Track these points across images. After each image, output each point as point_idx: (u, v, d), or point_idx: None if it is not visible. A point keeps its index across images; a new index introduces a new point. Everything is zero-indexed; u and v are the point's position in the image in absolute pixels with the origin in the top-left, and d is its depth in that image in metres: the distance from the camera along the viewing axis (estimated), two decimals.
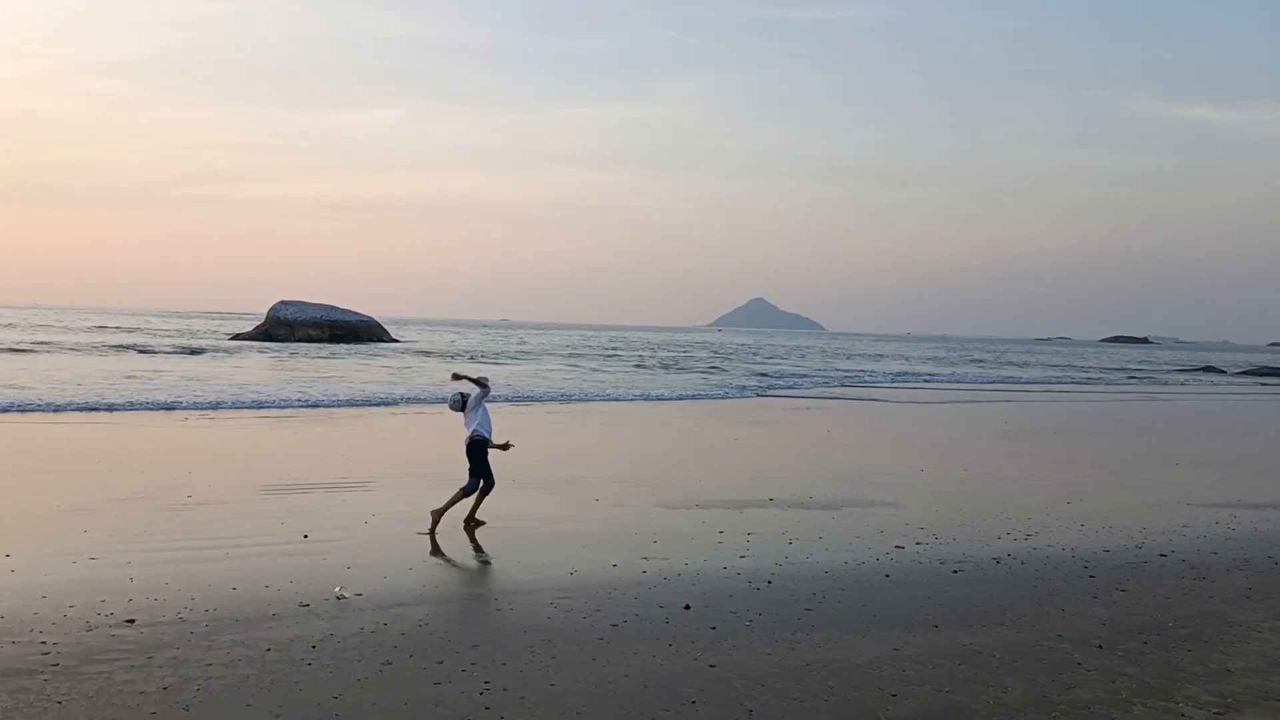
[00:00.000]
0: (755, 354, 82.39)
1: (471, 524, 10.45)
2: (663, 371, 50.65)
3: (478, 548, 9.82)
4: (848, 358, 79.53)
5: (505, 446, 10.80)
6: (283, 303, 64.56)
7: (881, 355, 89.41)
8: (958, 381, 51.58)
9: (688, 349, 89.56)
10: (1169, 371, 75.34)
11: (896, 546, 10.19)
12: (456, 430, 11.22)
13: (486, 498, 10.61)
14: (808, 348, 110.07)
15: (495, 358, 58.75)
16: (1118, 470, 17.22)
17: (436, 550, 9.58)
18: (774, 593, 8.22)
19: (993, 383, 52.06)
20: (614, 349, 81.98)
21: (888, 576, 8.90)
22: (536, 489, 12.86)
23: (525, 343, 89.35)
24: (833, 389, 41.38)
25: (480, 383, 10.72)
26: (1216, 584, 8.92)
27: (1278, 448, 23.64)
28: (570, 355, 66.22)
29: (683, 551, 9.65)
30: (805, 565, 9.25)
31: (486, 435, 10.55)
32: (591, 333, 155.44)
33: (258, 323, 67.59)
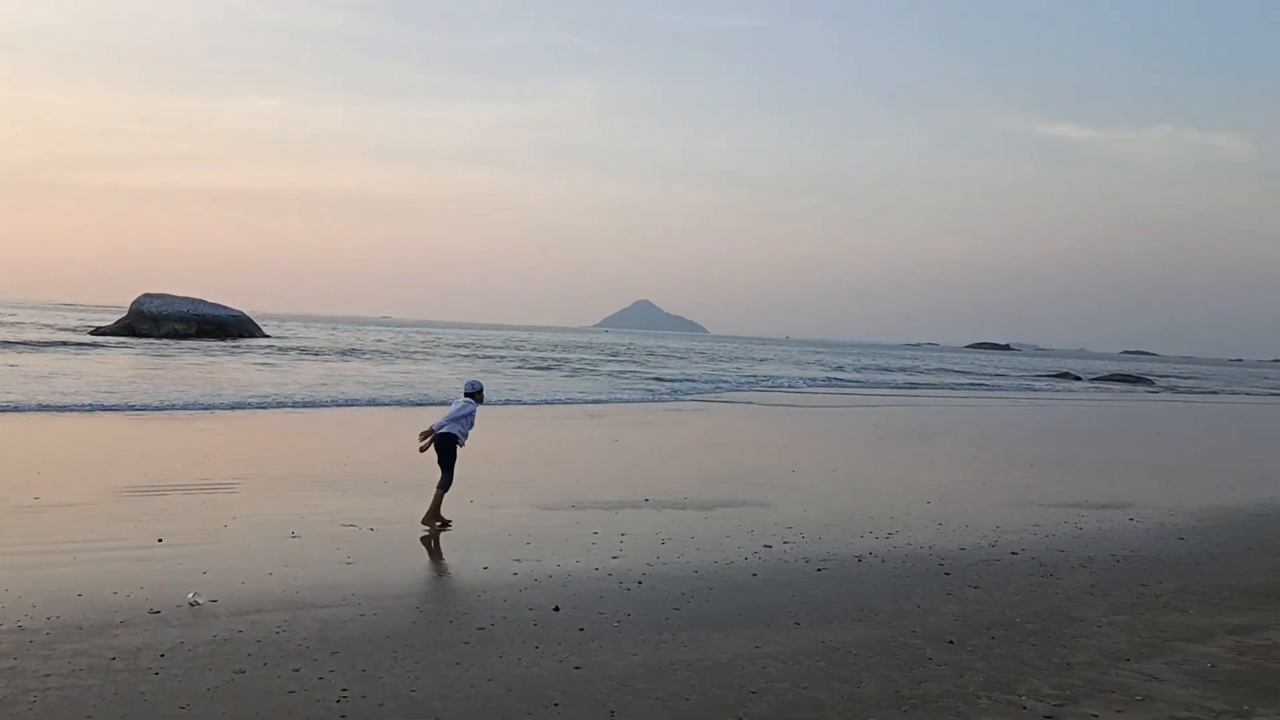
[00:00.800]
0: (651, 355, 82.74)
1: (436, 524, 10.69)
2: (559, 374, 50.37)
3: (336, 551, 9.58)
4: (730, 360, 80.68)
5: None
6: (147, 295, 61.65)
7: (765, 359, 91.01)
8: (863, 386, 52.88)
9: (573, 350, 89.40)
10: (1029, 377, 78.92)
11: (765, 546, 10.39)
12: (324, 430, 10.92)
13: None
14: (696, 350, 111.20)
15: (381, 357, 57.47)
16: (977, 471, 17.96)
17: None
18: (644, 593, 8.28)
19: (896, 387, 53.56)
20: (499, 349, 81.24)
21: (755, 575, 9.07)
22: (411, 490, 12.62)
23: (410, 341, 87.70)
24: (732, 392, 41.91)
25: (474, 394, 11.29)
26: (1062, 581, 9.38)
27: (1124, 450, 25.02)
28: (454, 357, 65.31)
29: (556, 553, 9.63)
30: (676, 565, 9.35)
31: (455, 433, 10.88)
32: (476, 331, 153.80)
33: (120, 316, 64.49)
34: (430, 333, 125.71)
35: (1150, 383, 76.11)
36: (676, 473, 16.07)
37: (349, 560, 9.17)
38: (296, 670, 6.01)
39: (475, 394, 11.30)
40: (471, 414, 11.09)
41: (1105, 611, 8.26)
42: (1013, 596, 8.67)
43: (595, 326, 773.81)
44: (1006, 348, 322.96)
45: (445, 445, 10.83)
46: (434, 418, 11.42)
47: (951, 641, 7.16)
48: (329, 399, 27.60)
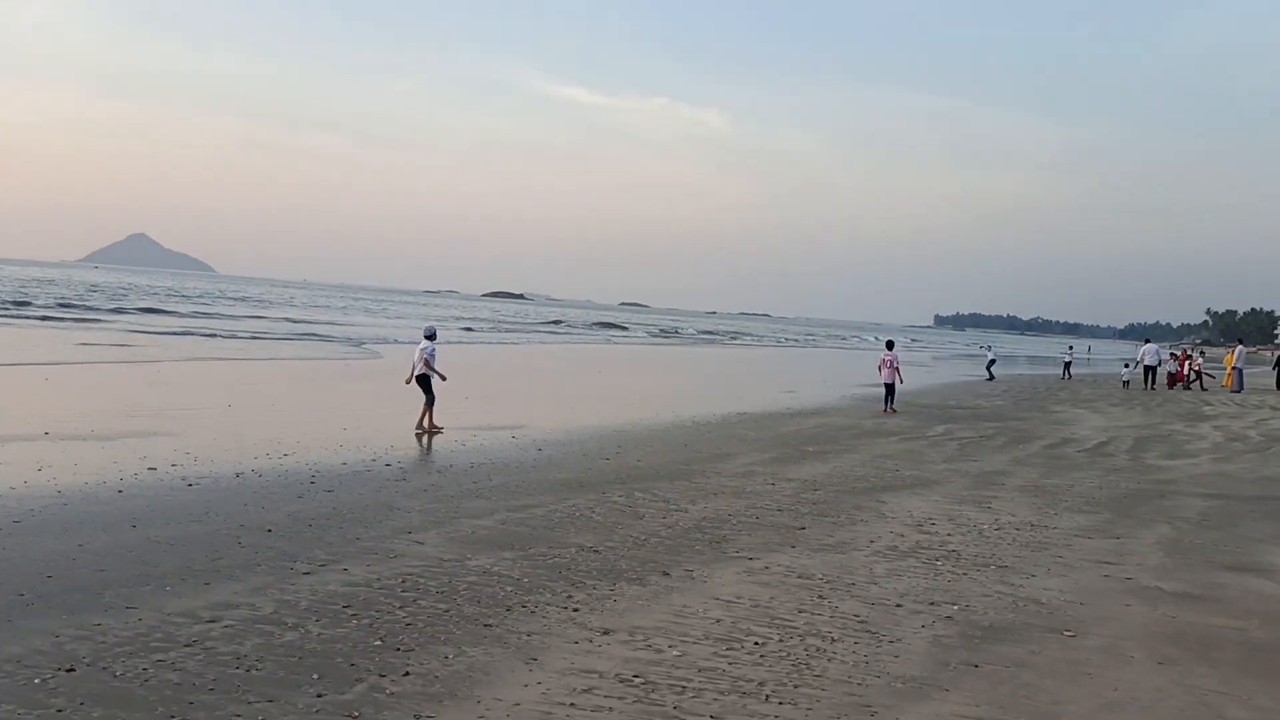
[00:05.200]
0: (180, 297, 75.70)
1: (431, 430, 15.44)
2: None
3: None
4: (243, 301, 76.84)
5: (442, 377, 16.31)
6: None
7: (273, 301, 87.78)
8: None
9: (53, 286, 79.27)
10: (528, 324, 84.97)
11: (150, 469, 11.09)
12: None
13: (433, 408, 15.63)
14: (206, 291, 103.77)
15: None
16: (414, 405, 19.81)
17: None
18: None
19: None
20: None
21: (120, 492, 9.78)
22: None
23: None
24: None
25: (430, 337, 16.67)
26: (410, 484, 11.20)
27: (556, 384, 28.66)
28: None
29: None
30: (38, 489, 9.75)
31: (424, 372, 15.91)
32: None
33: None
34: None
35: (625, 329, 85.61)
36: (97, 408, 15.96)
37: None
38: None
39: (431, 336, 16.61)
40: (431, 351, 16.11)
41: (424, 502, 10.18)
42: (356, 497, 10.29)
43: (81, 261, 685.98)
44: (521, 297, 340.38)
45: (423, 380, 15.82)
46: None
47: (270, 530, 8.54)
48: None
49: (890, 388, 23.37)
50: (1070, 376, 45.52)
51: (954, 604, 7.12)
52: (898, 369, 23.57)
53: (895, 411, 22.96)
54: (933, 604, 7.11)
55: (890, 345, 24.66)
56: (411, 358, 16.40)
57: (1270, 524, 10.78)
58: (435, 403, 15.82)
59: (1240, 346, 41.05)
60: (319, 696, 4.98)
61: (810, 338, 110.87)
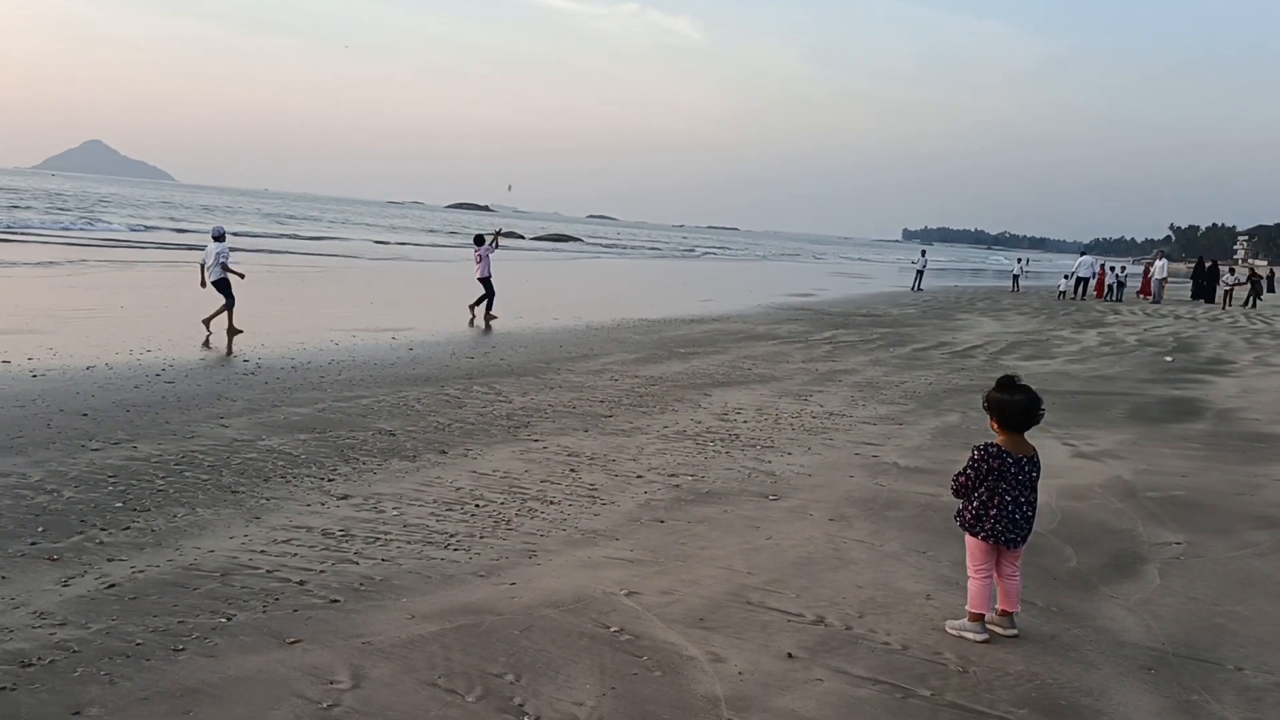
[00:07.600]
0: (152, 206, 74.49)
1: (231, 331, 15.04)
2: None
3: None
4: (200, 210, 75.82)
5: (240, 275, 15.82)
6: None
7: (234, 210, 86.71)
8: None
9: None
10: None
11: (4, 361, 11.51)
12: None
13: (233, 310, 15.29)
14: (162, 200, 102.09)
15: None
16: (314, 307, 20.18)
17: None
18: None
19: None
20: None
21: None
22: None
23: None
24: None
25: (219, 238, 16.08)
26: (259, 378, 11.72)
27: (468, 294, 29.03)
28: None
29: None
30: None
31: (221, 275, 15.53)
32: None
33: None
34: None
35: (580, 240, 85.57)
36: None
37: None
38: None
39: (220, 237, 16.06)
40: (223, 252, 15.64)
41: (256, 394, 10.65)
42: (193, 388, 10.76)
43: (35, 168, 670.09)
44: (486, 209, 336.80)
45: (222, 283, 15.44)
46: None
47: (86, 415, 9.02)
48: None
49: (486, 283, 21.25)
50: (1019, 289, 46.26)
51: (691, 476, 7.78)
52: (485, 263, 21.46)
53: (495, 316, 20.61)
54: (672, 475, 7.76)
55: (479, 241, 22.12)
56: (203, 262, 15.81)
57: (1059, 414, 11.54)
58: (236, 304, 15.37)
59: (1161, 260, 42.04)
60: (32, 544, 5.55)
61: (765, 256, 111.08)
